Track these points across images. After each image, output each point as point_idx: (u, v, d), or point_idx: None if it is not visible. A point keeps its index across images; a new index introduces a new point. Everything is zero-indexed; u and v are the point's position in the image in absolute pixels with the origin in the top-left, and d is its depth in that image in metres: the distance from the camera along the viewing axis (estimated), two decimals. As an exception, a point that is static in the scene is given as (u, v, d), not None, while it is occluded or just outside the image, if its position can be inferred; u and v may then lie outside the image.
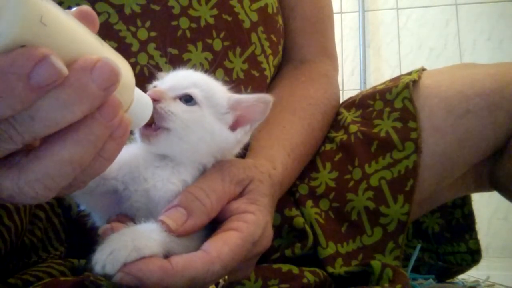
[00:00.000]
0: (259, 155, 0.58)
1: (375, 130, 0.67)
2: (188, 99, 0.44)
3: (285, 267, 0.57)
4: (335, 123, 0.74)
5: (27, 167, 0.28)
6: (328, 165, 0.68)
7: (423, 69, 0.75)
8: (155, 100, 0.41)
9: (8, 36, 0.23)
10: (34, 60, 0.24)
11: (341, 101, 0.80)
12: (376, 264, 0.58)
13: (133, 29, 0.61)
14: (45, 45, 0.25)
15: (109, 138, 0.30)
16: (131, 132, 0.44)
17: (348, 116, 0.72)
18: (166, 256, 0.37)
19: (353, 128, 0.69)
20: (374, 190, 0.64)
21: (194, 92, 0.45)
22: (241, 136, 0.47)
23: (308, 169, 0.69)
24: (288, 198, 0.66)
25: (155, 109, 0.40)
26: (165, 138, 0.42)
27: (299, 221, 0.63)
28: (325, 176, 0.67)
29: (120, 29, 0.61)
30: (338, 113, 0.75)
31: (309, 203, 0.65)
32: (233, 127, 0.47)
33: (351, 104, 0.75)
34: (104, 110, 0.28)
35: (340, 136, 0.70)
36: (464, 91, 0.65)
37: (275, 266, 0.58)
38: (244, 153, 0.60)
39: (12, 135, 0.26)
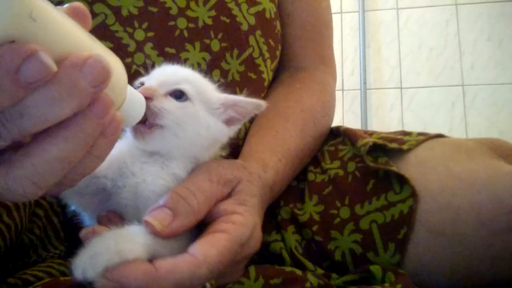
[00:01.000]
0: (250, 159, 0.58)
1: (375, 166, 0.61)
2: (179, 95, 0.44)
3: (287, 268, 0.56)
4: (334, 151, 0.69)
5: (16, 164, 0.28)
6: (315, 198, 0.64)
7: (440, 135, 0.66)
8: (147, 98, 0.40)
9: None
10: (22, 56, 0.24)
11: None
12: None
13: (130, 30, 0.61)
14: (35, 40, 0.25)
15: (101, 135, 0.30)
16: (123, 130, 0.44)
17: (351, 150, 0.67)
18: (151, 260, 0.36)
19: (352, 166, 0.64)
20: (362, 233, 0.58)
21: (186, 88, 0.44)
22: (233, 132, 0.48)
23: (294, 196, 0.65)
24: (269, 221, 0.62)
25: (148, 107, 0.40)
26: (159, 135, 0.42)
27: (275, 246, 0.60)
28: (310, 208, 0.63)
29: (116, 30, 0.61)
30: (342, 142, 0.70)
31: (291, 228, 0.62)
32: (226, 124, 0.48)
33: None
34: (95, 107, 0.28)
35: (335, 170, 0.65)
36: (505, 199, 0.53)
37: (277, 266, 0.57)
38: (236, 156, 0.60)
39: (1, 132, 0.26)
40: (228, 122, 0.48)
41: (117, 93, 0.32)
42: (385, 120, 2.27)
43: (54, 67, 0.25)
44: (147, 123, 0.42)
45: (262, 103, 0.48)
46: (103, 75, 0.27)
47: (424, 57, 2.25)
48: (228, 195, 0.46)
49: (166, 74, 0.46)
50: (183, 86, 0.44)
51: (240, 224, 0.42)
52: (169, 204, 0.40)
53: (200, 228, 0.42)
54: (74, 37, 0.28)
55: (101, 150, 0.31)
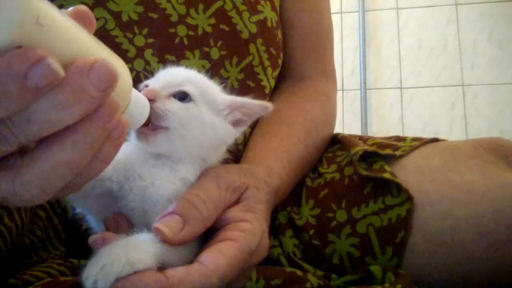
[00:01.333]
0: (255, 164, 0.58)
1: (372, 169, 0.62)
2: (182, 97, 0.44)
3: (288, 268, 0.56)
4: (332, 157, 0.70)
5: (22, 169, 0.28)
6: (311, 202, 0.64)
7: (435, 139, 0.66)
8: (150, 100, 0.40)
9: (4, 37, 0.23)
10: (30, 62, 0.24)
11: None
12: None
13: (129, 35, 0.61)
14: (42, 46, 0.25)
15: (106, 139, 0.29)
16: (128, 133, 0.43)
17: (348, 156, 0.67)
18: (160, 267, 0.36)
19: (349, 170, 0.64)
20: (360, 237, 0.58)
21: (189, 89, 0.44)
22: (239, 134, 0.48)
23: (292, 200, 0.65)
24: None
25: (151, 109, 0.40)
26: (164, 137, 0.42)
27: (273, 252, 0.61)
28: (306, 212, 0.63)
29: (116, 35, 0.61)
30: (340, 148, 0.71)
31: (289, 232, 0.62)
32: (232, 125, 0.48)
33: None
34: (101, 111, 0.28)
35: (331, 173, 0.66)
36: (505, 211, 0.53)
37: (278, 267, 0.57)
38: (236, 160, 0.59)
39: (8, 137, 0.26)
40: (235, 123, 0.48)
41: (122, 96, 0.32)
42: (385, 120, 2.28)
43: (62, 73, 0.25)
44: (150, 125, 0.42)
45: (269, 105, 0.48)
46: (110, 80, 0.27)
47: (424, 57, 2.26)
48: (236, 202, 0.46)
49: (170, 75, 0.46)
50: (187, 88, 0.44)
51: (249, 232, 0.42)
52: (179, 210, 0.40)
53: (206, 234, 0.42)
54: (80, 41, 0.28)
55: (107, 154, 0.31)
